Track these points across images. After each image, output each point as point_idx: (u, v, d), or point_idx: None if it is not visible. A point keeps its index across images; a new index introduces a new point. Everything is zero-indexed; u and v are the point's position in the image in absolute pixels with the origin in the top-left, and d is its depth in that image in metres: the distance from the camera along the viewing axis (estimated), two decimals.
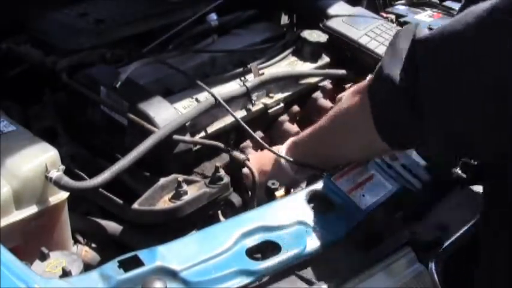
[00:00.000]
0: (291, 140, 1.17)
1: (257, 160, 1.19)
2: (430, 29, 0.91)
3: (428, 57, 0.85)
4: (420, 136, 0.90)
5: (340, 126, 1.05)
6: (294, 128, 1.36)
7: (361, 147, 1.04)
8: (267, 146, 1.17)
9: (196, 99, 1.23)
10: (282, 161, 1.13)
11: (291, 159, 1.11)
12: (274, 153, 1.14)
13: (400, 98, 0.88)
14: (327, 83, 1.44)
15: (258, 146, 1.30)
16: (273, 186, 1.07)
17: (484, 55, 0.79)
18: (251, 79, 1.32)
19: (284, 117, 1.36)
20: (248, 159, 1.16)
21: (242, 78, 1.33)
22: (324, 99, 1.42)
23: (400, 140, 0.96)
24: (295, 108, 1.39)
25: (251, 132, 1.20)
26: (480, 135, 0.84)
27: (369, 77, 0.99)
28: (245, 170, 1.15)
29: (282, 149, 1.15)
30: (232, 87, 1.30)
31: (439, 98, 0.84)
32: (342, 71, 1.46)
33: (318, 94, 1.42)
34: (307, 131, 1.13)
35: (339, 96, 1.38)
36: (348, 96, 1.04)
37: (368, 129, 0.94)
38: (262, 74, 1.35)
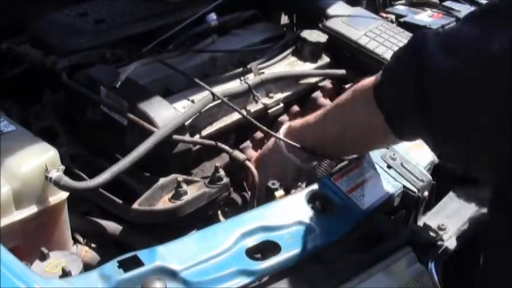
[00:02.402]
0: (286, 127, 1.16)
1: (260, 158, 1.18)
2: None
3: (443, 98, 0.85)
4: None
5: (342, 118, 1.06)
6: None
7: (364, 139, 1.06)
8: (273, 133, 1.15)
9: (197, 99, 1.23)
10: (284, 151, 1.13)
11: (298, 145, 1.11)
12: (280, 139, 1.13)
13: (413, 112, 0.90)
14: (326, 83, 1.44)
15: (257, 146, 1.30)
16: (273, 186, 1.06)
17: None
18: (252, 78, 1.32)
19: (284, 117, 1.36)
20: (248, 159, 1.16)
21: (242, 78, 1.33)
22: (324, 99, 1.42)
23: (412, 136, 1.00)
24: (295, 108, 1.38)
25: (255, 122, 1.19)
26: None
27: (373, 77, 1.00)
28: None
29: (281, 134, 1.14)
30: (233, 87, 1.30)
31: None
32: (342, 71, 1.46)
33: (317, 94, 1.43)
34: (305, 120, 1.13)
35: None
36: (352, 92, 1.05)
37: (374, 119, 0.97)
38: (263, 73, 1.35)
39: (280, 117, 1.36)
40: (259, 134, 1.30)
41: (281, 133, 1.15)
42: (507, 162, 0.80)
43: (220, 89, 1.27)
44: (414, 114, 0.89)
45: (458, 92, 0.83)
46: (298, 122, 1.16)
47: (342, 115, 1.07)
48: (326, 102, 1.42)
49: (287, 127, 1.16)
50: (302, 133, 1.12)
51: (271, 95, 1.34)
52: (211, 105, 1.21)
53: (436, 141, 0.92)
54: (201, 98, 1.21)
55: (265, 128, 1.20)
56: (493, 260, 0.91)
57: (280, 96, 1.35)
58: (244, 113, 1.29)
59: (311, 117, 1.13)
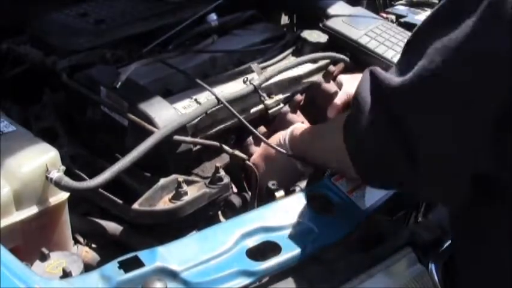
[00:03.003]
0: (292, 129, 1.16)
1: (263, 154, 1.18)
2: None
3: (411, 105, 0.81)
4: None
5: (328, 139, 1.05)
6: (297, 117, 1.33)
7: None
8: (273, 145, 1.16)
9: (196, 100, 1.23)
10: (288, 148, 1.13)
11: (291, 153, 1.11)
12: (278, 150, 1.14)
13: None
14: (330, 66, 1.40)
15: (259, 144, 1.29)
16: (273, 187, 1.07)
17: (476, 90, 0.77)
18: (256, 79, 1.30)
19: (286, 108, 1.34)
20: (248, 159, 1.16)
21: (245, 78, 1.31)
22: (328, 83, 1.38)
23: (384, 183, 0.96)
24: (298, 97, 1.35)
25: (254, 131, 1.20)
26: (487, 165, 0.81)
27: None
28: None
29: (285, 137, 1.15)
30: (233, 87, 1.30)
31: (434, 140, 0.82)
32: (343, 57, 1.45)
33: (319, 78, 1.39)
34: (305, 130, 1.14)
35: (338, 78, 1.36)
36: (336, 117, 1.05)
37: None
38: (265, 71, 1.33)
39: (283, 109, 1.35)
40: (261, 129, 1.29)
41: (286, 135, 1.15)
42: (510, 158, 0.80)
43: (221, 89, 1.27)
44: (386, 147, 0.85)
45: (445, 100, 0.79)
46: (300, 128, 1.16)
47: (328, 136, 1.05)
48: (330, 86, 1.37)
49: (291, 130, 1.16)
50: (302, 141, 1.13)
51: (271, 95, 1.33)
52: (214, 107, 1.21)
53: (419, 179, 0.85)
54: (205, 101, 1.20)
55: (262, 136, 1.20)
56: (492, 259, 0.92)
57: (280, 96, 1.35)
58: (246, 113, 1.28)
59: (309, 129, 1.13)
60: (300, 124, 1.19)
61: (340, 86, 1.32)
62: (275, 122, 1.34)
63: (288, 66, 1.36)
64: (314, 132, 1.12)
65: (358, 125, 0.88)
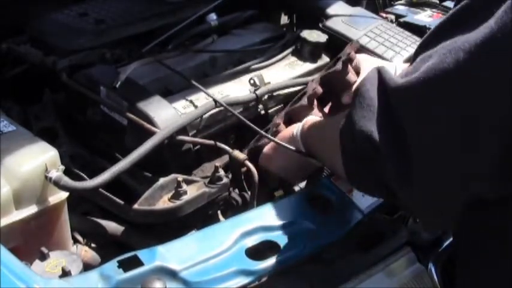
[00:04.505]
0: (304, 121, 1.10)
1: (276, 145, 1.14)
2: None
3: (413, 107, 0.75)
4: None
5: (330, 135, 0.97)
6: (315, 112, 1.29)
7: None
8: (277, 140, 1.12)
9: (197, 99, 1.23)
10: (299, 144, 1.08)
11: (303, 151, 1.07)
12: (285, 147, 1.10)
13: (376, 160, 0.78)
14: (351, 53, 1.35)
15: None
16: (272, 186, 1.07)
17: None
18: (259, 90, 1.28)
19: (303, 102, 1.28)
20: (248, 159, 1.16)
21: (251, 80, 1.30)
22: (346, 74, 1.26)
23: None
24: (318, 90, 1.22)
25: (258, 129, 1.18)
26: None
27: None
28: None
29: (298, 130, 1.10)
30: (233, 87, 1.30)
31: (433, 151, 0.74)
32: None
33: (339, 66, 1.24)
34: (312, 124, 1.09)
35: (357, 58, 1.29)
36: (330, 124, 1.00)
37: None
38: (269, 83, 1.32)
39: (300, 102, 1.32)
40: (276, 121, 1.23)
41: (299, 129, 1.09)
42: None
43: (221, 89, 1.27)
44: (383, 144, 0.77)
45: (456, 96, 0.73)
46: (311, 121, 1.10)
47: (329, 131, 0.98)
48: (350, 76, 1.27)
49: (303, 123, 1.10)
50: (310, 136, 1.07)
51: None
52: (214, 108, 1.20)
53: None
54: (205, 102, 1.20)
55: (264, 133, 1.18)
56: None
57: (280, 97, 1.35)
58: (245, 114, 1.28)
59: (317, 123, 1.08)
60: (312, 117, 1.12)
61: (357, 69, 1.24)
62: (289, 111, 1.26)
63: (292, 84, 1.35)
64: (320, 126, 1.06)
65: (354, 118, 0.82)
